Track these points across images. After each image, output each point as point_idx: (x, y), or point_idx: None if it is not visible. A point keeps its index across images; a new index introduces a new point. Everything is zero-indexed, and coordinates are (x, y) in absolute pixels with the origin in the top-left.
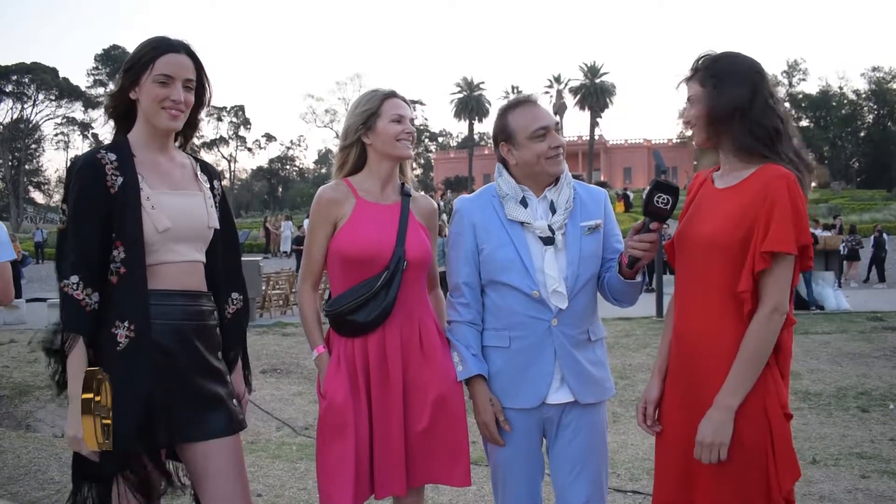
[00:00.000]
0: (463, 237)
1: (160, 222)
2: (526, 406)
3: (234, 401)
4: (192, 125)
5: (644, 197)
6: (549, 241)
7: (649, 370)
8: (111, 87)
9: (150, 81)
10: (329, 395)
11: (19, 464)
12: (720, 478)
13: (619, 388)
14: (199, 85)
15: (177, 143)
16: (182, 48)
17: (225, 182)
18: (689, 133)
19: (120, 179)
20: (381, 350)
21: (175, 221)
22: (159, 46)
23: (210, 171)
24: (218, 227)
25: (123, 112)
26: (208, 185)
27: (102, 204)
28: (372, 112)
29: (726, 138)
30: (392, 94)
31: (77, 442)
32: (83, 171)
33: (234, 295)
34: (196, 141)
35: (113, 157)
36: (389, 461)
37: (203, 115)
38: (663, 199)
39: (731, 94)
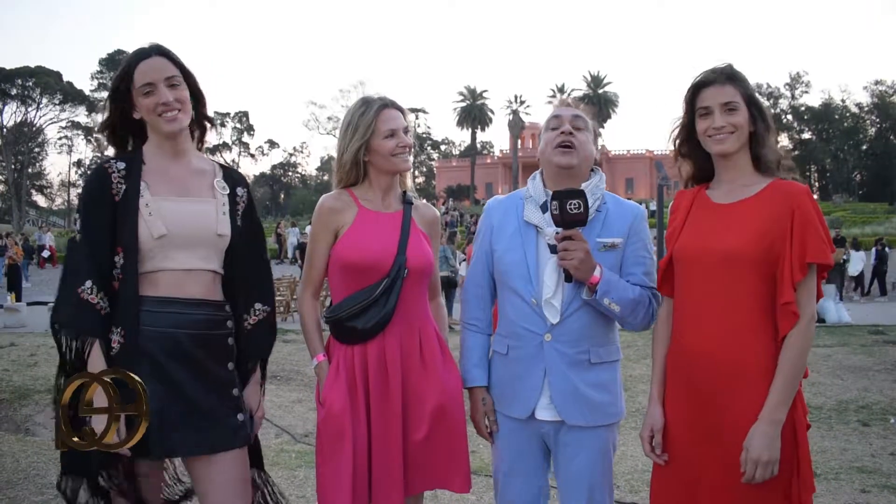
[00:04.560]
0: (481, 236)
1: (156, 228)
2: (517, 416)
3: (243, 414)
4: (198, 123)
5: (555, 211)
6: (555, 249)
7: (650, 382)
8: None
9: (138, 96)
10: (327, 403)
11: (18, 468)
12: (737, 493)
13: None
14: (191, 82)
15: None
16: (152, 51)
17: None
18: (720, 138)
19: (123, 187)
20: (380, 358)
21: (172, 228)
22: (131, 61)
23: (234, 178)
24: (228, 234)
25: (131, 133)
26: (227, 192)
27: (109, 211)
28: (366, 132)
29: (750, 154)
30: (383, 106)
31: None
32: (90, 181)
33: (258, 305)
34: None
35: (122, 165)
36: (388, 470)
37: (209, 112)
38: (575, 203)
39: (766, 112)
